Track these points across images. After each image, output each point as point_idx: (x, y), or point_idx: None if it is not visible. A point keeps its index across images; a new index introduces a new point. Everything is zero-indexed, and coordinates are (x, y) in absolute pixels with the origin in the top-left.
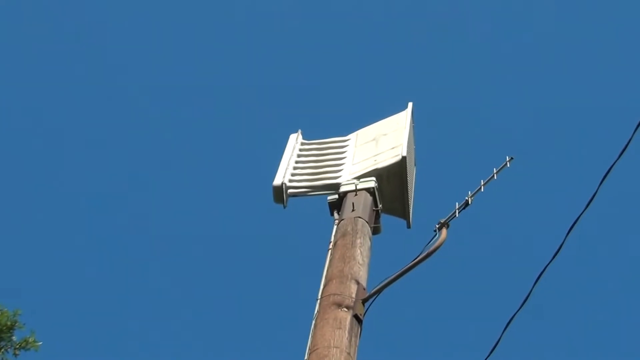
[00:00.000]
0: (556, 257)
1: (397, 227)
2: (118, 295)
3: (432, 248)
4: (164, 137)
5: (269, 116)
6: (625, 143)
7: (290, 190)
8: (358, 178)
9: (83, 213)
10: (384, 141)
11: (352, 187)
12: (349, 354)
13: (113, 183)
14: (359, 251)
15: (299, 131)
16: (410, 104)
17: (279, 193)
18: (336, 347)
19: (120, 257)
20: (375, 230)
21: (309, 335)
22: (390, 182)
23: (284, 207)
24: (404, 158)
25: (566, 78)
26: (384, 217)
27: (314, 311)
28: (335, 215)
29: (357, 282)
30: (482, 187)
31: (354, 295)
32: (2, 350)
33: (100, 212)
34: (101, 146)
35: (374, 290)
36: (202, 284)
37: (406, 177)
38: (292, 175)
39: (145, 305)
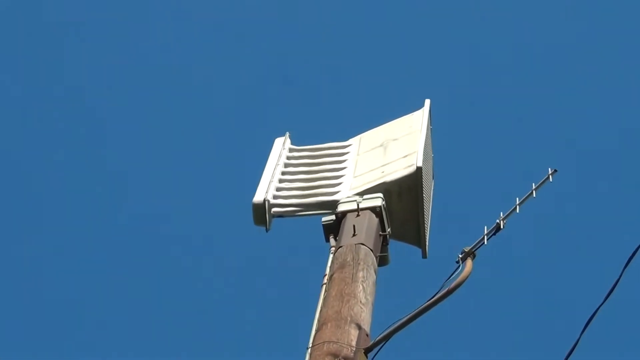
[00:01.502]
0: (611, 296)
1: (409, 256)
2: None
3: (453, 284)
4: (124, 140)
5: (248, 115)
6: None
7: (274, 209)
8: (361, 194)
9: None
10: (394, 148)
11: (354, 206)
12: None
13: (73, 200)
14: (361, 287)
15: (287, 134)
16: (427, 102)
17: (261, 213)
18: None
19: (76, 286)
20: (382, 261)
21: None
22: (402, 199)
23: (267, 230)
24: (418, 169)
25: (618, 79)
26: (393, 244)
27: None
28: (332, 241)
29: (359, 327)
30: (518, 206)
31: (354, 344)
32: None
33: (65, 230)
34: (63, 153)
35: (380, 336)
36: (167, 327)
37: (421, 193)
38: (278, 190)
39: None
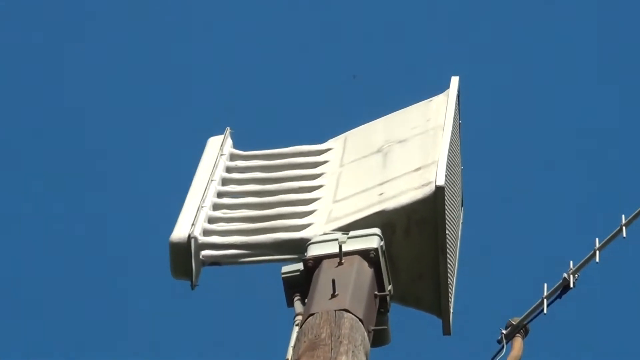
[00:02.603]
0: None
1: (424, 332)
2: None
3: None
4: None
5: (166, 102)
6: None
7: (206, 253)
8: (345, 229)
9: None
10: (399, 155)
11: (333, 248)
12: None
13: None
14: None
15: (227, 131)
16: (454, 80)
17: (182, 258)
18: None
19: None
20: (379, 338)
21: None
22: (412, 239)
23: (193, 286)
24: (439, 191)
25: None
26: (396, 312)
27: None
28: (297, 305)
29: None
30: (597, 252)
31: None
32: None
33: None
34: None
35: None
36: None
37: (444, 229)
38: (211, 221)
39: None
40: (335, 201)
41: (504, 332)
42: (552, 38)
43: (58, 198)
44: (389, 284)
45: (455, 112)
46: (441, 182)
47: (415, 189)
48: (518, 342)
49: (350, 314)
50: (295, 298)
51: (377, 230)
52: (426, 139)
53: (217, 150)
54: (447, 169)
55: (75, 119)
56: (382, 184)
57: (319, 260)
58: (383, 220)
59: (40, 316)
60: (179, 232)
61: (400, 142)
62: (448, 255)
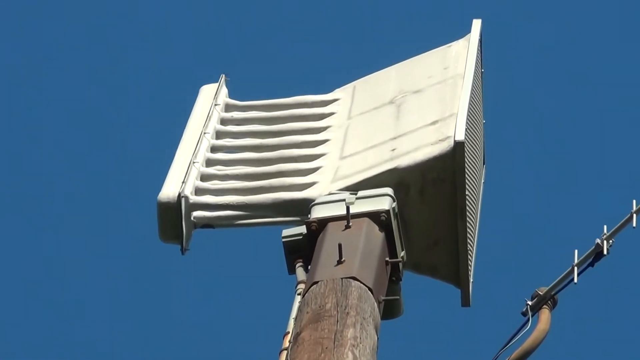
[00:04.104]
0: None
1: (440, 302)
2: None
3: (518, 351)
4: None
5: (151, 41)
6: None
7: (197, 214)
8: (354, 189)
9: None
10: (414, 106)
11: (340, 210)
12: None
13: None
14: (350, 356)
15: (222, 78)
16: (476, 24)
17: (171, 220)
18: None
19: None
20: (390, 310)
21: None
22: (428, 200)
23: (183, 251)
24: (459, 146)
25: None
26: (409, 280)
27: None
28: (299, 272)
29: None
30: (635, 215)
31: None
32: None
33: None
34: None
35: None
36: None
37: (464, 189)
38: (204, 178)
39: None
40: (343, 157)
41: (530, 303)
42: None
43: (43, 154)
44: (402, 250)
45: (477, 59)
46: (461, 136)
47: (432, 144)
48: (545, 314)
49: (359, 283)
50: (297, 264)
51: (388, 190)
52: (444, 89)
53: (211, 100)
54: (467, 122)
55: (61, 71)
56: (394, 138)
57: (323, 222)
58: (395, 179)
59: (28, 284)
60: (168, 191)
61: (415, 92)
62: (468, 219)
